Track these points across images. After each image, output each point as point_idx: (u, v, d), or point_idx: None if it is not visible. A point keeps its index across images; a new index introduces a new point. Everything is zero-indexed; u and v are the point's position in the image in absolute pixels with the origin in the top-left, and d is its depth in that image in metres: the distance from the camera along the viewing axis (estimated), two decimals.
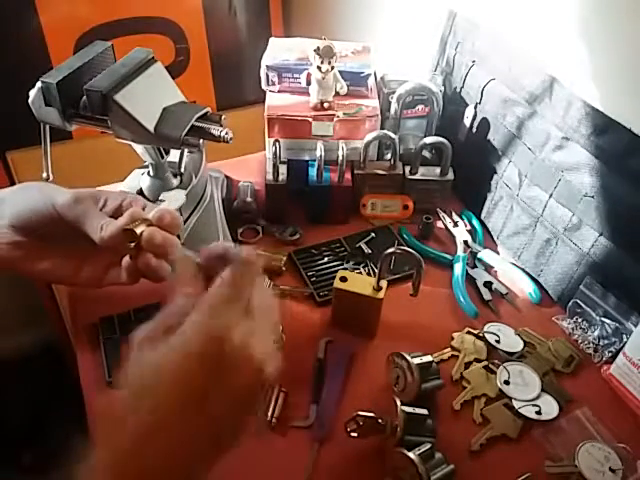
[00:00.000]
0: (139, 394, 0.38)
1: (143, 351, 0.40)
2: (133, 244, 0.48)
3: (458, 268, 0.76)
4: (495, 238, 0.83)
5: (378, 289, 0.65)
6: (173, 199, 0.54)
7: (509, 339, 0.67)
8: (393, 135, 0.82)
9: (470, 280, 0.76)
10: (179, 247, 0.50)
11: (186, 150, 0.69)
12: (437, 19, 0.91)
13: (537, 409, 0.60)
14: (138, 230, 0.47)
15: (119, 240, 0.50)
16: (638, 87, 0.62)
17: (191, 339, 0.39)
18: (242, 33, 1.49)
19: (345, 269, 0.76)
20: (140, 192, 0.73)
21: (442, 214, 0.85)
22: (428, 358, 0.61)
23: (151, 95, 0.62)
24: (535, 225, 0.75)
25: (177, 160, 0.71)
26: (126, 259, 0.52)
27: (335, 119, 0.82)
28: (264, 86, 0.88)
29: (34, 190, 0.56)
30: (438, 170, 0.85)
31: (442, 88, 0.87)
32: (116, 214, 0.55)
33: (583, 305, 0.68)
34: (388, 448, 0.55)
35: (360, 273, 0.76)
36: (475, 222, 0.84)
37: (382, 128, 0.85)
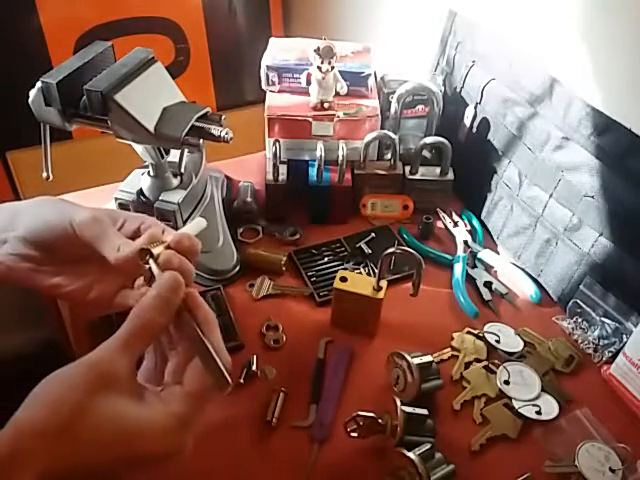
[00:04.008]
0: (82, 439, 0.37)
1: (112, 396, 0.39)
2: (148, 266, 0.46)
3: (458, 268, 0.76)
4: (495, 238, 0.83)
5: (378, 289, 0.65)
6: (195, 224, 0.53)
7: (509, 339, 0.67)
8: (393, 135, 0.82)
9: (470, 280, 0.76)
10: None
11: (186, 150, 0.69)
12: (437, 19, 0.91)
13: (537, 409, 0.60)
14: (155, 251, 0.46)
15: (134, 261, 0.47)
16: (638, 87, 0.62)
17: (157, 441, 0.39)
18: (242, 33, 1.49)
19: (345, 269, 0.76)
20: (140, 192, 0.73)
21: (442, 214, 0.85)
22: (428, 358, 0.61)
23: (151, 95, 0.62)
24: (535, 225, 0.75)
25: (177, 160, 0.71)
26: (140, 282, 0.50)
27: (335, 119, 0.82)
28: (264, 86, 0.88)
29: (50, 205, 0.54)
30: (438, 170, 0.85)
31: (442, 88, 0.87)
32: (134, 237, 0.53)
33: (583, 305, 0.68)
34: (388, 448, 0.55)
35: (360, 273, 0.76)
36: (475, 222, 0.84)
37: (382, 128, 0.85)
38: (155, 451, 0.39)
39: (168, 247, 0.47)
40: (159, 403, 0.40)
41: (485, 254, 0.78)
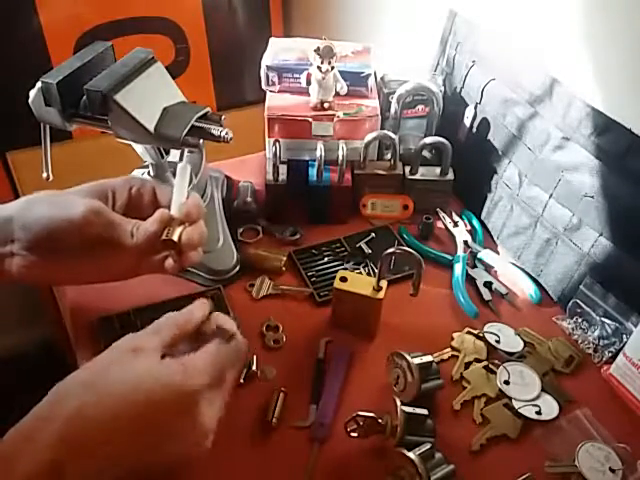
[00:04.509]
0: (99, 396, 0.42)
1: (134, 359, 0.44)
2: (173, 250, 0.53)
3: (458, 268, 0.76)
4: (495, 238, 0.83)
5: (378, 289, 0.65)
6: (181, 176, 0.55)
7: (509, 339, 0.67)
8: (393, 135, 0.82)
9: (470, 280, 0.76)
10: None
11: (186, 150, 0.69)
12: (437, 19, 0.91)
13: (537, 409, 0.60)
14: (175, 237, 0.51)
15: (151, 241, 0.52)
16: (638, 87, 0.62)
17: (169, 387, 0.43)
18: (242, 33, 1.49)
19: (345, 269, 0.76)
20: None
21: (442, 214, 0.85)
22: (428, 358, 0.61)
23: (151, 95, 0.62)
24: (535, 225, 0.75)
25: (177, 160, 0.71)
26: (169, 262, 0.55)
27: (335, 119, 0.82)
28: (264, 86, 0.88)
29: (44, 206, 0.54)
30: (438, 170, 0.85)
31: (442, 88, 0.87)
32: (130, 209, 0.56)
33: (583, 305, 0.68)
34: (388, 448, 0.55)
35: (360, 273, 0.76)
36: (475, 222, 0.84)
37: (382, 128, 0.85)
38: (160, 398, 0.42)
39: (181, 222, 0.52)
40: (172, 361, 0.45)
41: (485, 254, 0.78)
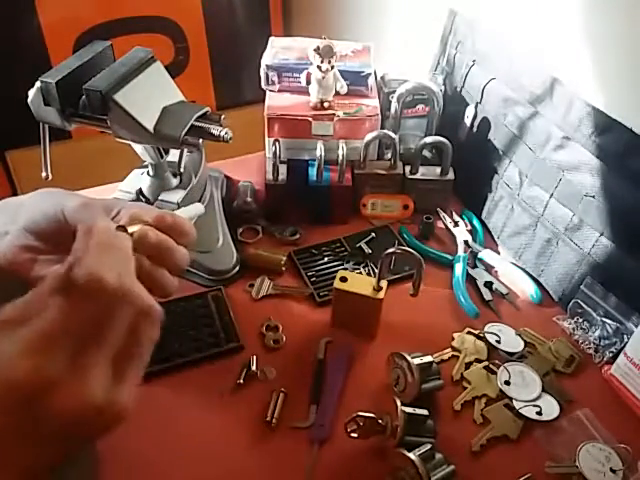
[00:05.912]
0: None
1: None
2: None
3: (458, 268, 0.76)
4: (496, 238, 0.83)
5: (378, 289, 0.65)
6: (191, 208, 0.52)
7: (510, 339, 0.67)
8: (393, 135, 0.82)
9: (470, 280, 0.76)
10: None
11: (186, 150, 0.69)
12: (438, 19, 0.91)
13: (538, 409, 0.60)
14: (131, 229, 0.40)
15: None
16: (639, 86, 0.62)
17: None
18: (242, 32, 1.49)
19: (345, 269, 0.76)
20: (140, 192, 0.73)
21: (442, 214, 0.85)
22: (428, 358, 0.61)
23: (150, 95, 0.62)
24: (536, 225, 0.75)
25: (177, 160, 0.71)
26: None
27: (335, 119, 0.82)
28: (264, 86, 0.88)
29: (47, 195, 0.55)
30: (438, 170, 0.84)
31: (442, 87, 0.87)
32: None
33: (584, 305, 0.68)
34: (388, 449, 0.55)
35: (360, 273, 0.76)
36: (475, 222, 0.84)
37: (382, 128, 0.85)
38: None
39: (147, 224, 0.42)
40: None
41: (486, 254, 0.78)
